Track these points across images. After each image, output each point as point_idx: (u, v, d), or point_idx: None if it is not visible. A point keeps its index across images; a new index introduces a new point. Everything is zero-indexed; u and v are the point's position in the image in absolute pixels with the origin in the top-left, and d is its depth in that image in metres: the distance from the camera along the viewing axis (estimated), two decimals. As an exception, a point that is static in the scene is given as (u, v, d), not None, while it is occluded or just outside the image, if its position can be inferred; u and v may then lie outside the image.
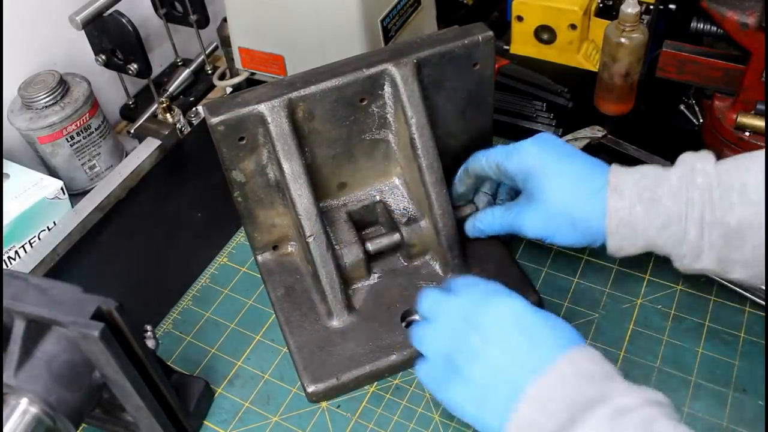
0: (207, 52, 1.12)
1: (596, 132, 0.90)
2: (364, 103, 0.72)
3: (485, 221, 0.73)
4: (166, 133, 0.98)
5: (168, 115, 1.00)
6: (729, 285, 0.72)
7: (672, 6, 0.90)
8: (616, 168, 0.64)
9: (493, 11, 1.13)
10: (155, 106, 1.02)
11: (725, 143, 0.84)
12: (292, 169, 0.70)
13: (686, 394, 0.66)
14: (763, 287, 0.67)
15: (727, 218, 0.58)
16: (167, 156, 0.98)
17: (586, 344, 0.54)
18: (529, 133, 0.93)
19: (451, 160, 0.76)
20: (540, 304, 0.73)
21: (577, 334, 0.54)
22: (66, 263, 0.86)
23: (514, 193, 0.76)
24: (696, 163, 0.60)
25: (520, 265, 0.77)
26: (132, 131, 1.03)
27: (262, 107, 0.68)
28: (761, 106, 0.81)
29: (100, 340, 0.51)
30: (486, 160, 0.71)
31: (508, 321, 0.54)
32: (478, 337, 0.54)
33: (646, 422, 0.47)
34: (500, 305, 0.55)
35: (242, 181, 0.72)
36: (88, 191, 0.93)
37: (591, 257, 0.78)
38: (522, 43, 1.05)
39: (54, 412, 0.53)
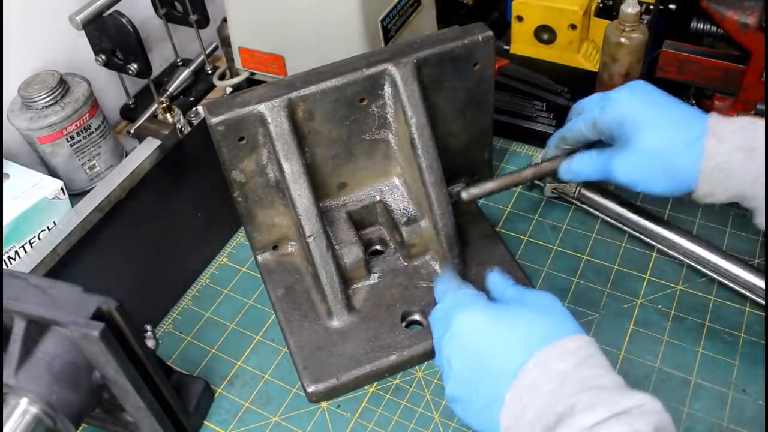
0: (207, 52, 1.12)
1: (596, 132, 0.89)
2: (364, 103, 0.72)
3: (580, 164, 0.71)
4: (166, 133, 0.98)
5: (168, 115, 1.00)
6: (729, 284, 0.72)
7: (672, 6, 0.90)
8: (715, 115, 0.63)
9: (493, 11, 1.13)
10: (155, 106, 1.02)
11: (725, 143, 0.84)
12: (292, 169, 0.70)
13: (686, 394, 0.66)
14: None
15: None
16: (167, 156, 0.98)
17: (565, 331, 0.53)
18: (529, 133, 0.94)
19: (451, 160, 0.76)
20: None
21: (555, 322, 0.54)
22: (66, 263, 0.86)
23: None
24: None
25: (520, 265, 0.77)
26: (132, 131, 1.03)
27: (262, 107, 0.68)
28: (761, 106, 0.81)
29: (100, 340, 0.51)
30: (584, 123, 0.69)
31: (466, 344, 0.55)
32: (446, 361, 0.56)
33: None
34: (456, 331, 0.56)
35: (242, 181, 0.72)
36: (88, 191, 0.93)
37: (591, 257, 0.78)
38: (522, 43, 1.05)
39: (54, 412, 0.53)
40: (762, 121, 0.62)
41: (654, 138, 0.64)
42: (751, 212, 0.62)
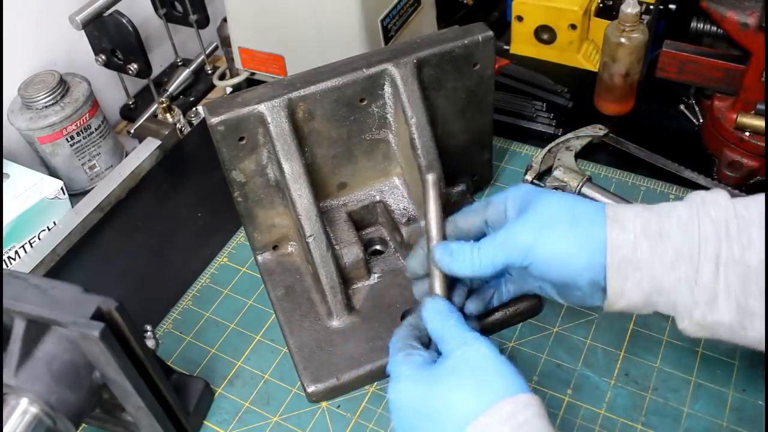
0: (207, 52, 1.12)
1: (597, 131, 0.90)
2: (364, 103, 0.72)
3: (461, 248, 0.59)
4: (166, 133, 0.98)
5: (168, 115, 1.00)
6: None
7: (672, 6, 0.90)
8: (611, 203, 0.58)
9: (493, 11, 1.13)
10: (155, 106, 1.02)
11: (725, 143, 0.84)
12: (292, 169, 0.70)
13: (686, 394, 0.66)
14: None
15: (746, 256, 0.51)
16: (167, 156, 0.98)
17: (487, 402, 0.50)
18: (529, 133, 0.94)
19: (451, 160, 0.76)
20: (540, 304, 0.73)
21: (481, 391, 0.51)
22: (66, 263, 0.86)
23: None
24: (706, 196, 0.54)
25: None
26: (132, 131, 1.03)
27: (262, 107, 0.68)
28: (761, 106, 0.81)
29: (100, 340, 0.51)
30: (473, 208, 0.63)
31: (400, 414, 0.54)
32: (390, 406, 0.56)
33: None
34: (392, 398, 0.55)
35: (242, 181, 0.72)
36: (88, 191, 0.93)
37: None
38: (522, 43, 1.05)
39: (54, 412, 0.53)
40: (661, 204, 0.56)
41: (559, 203, 0.57)
42: (673, 318, 0.55)
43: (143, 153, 0.96)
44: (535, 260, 0.56)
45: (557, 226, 0.56)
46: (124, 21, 0.90)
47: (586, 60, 1.02)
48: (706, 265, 0.52)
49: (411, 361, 0.56)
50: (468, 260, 0.59)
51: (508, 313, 0.72)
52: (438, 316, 0.58)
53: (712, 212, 0.53)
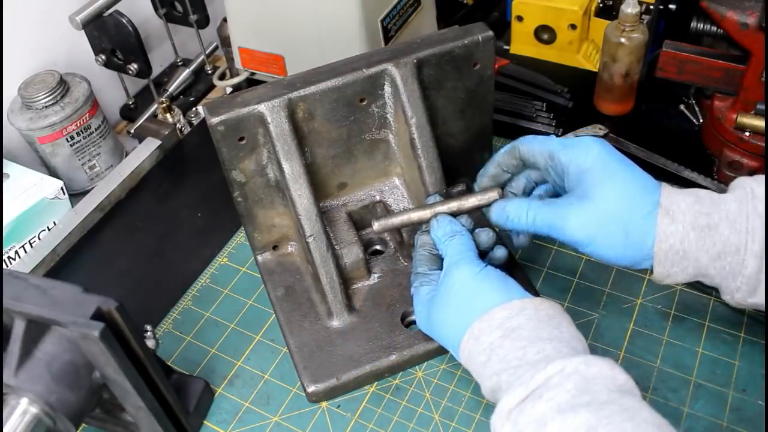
0: (207, 52, 1.12)
1: (598, 130, 0.90)
2: (364, 103, 0.72)
3: (518, 209, 0.63)
4: (166, 133, 0.98)
5: (168, 115, 1.00)
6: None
7: (672, 6, 0.90)
8: (667, 187, 0.59)
9: (493, 11, 1.13)
10: (155, 106, 1.02)
11: (725, 143, 0.84)
12: (292, 169, 0.70)
13: (686, 394, 0.66)
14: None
15: None
16: (167, 156, 0.98)
17: (498, 300, 0.57)
18: (529, 133, 0.93)
19: (451, 160, 0.76)
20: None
21: (493, 292, 0.58)
22: (66, 263, 0.86)
23: (548, 197, 0.69)
24: (756, 188, 0.56)
25: (520, 264, 0.77)
26: (132, 131, 1.03)
27: (262, 107, 0.68)
28: (761, 106, 0.81)
29: (100, 340, 0.51)
30: (539, 146, 0.63)
31: (460, 281, 0.60)
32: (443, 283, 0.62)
33: (540, 420, 0.48)
34: (451, 276, 0.61)
35: (242, 181, 0.72)
36: (88, 191, 0.93)
37: (591, 257, 0.78)
38: (522, 43, 1.05)
39: (54, 412, 0.53)
40: (713, 194, 0.58)
41: (617, 196, 0.58)
42: (717, 290, 0.60)
43: (143, 153, 0.96)
44: (588, 252, 0.61)
45: (611, 234, 0.59)
46: (124, 21, 0.90)
47: (586, 60, 1.02)
48: (752, 259, 0.55)
49: (419, 293, 0.65)
50: (521, 226, 0.63)
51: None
52: (444, 237, 0.65)
53: (761, 207, 0.55)
